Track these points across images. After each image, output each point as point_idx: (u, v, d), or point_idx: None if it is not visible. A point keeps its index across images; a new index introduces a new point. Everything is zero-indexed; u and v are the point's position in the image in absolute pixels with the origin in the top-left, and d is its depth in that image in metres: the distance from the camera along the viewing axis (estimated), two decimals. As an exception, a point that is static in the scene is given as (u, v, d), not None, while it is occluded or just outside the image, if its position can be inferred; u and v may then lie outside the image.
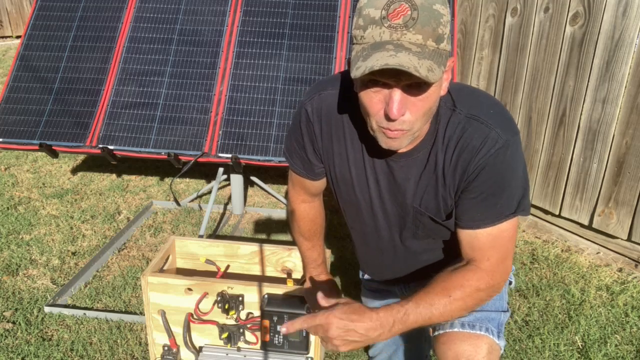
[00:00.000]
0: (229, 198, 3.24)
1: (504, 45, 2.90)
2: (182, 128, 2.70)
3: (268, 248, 1.78)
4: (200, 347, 1.61)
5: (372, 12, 0.93)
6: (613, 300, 2.29)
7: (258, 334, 1.57)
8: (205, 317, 1.57)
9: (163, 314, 1.57)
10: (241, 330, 1.56)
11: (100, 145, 2.67)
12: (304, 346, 1.51)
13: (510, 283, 1.42)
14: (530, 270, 2.53)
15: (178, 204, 3.10)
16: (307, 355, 1.54)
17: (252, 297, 1.53)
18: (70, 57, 2.91)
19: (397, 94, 0.96)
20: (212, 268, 1.77)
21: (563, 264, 2.56)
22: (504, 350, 1.64)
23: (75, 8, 3.04)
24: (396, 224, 1.27)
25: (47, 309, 2.16)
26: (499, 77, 2.96)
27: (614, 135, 2.41)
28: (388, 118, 0.98)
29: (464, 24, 3.20)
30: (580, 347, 2.03)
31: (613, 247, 2.54)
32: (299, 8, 2.93)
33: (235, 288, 1.53)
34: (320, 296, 1.06)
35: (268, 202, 3.24)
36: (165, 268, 1.70)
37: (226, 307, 1.53)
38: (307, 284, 1.49)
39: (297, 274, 1.80)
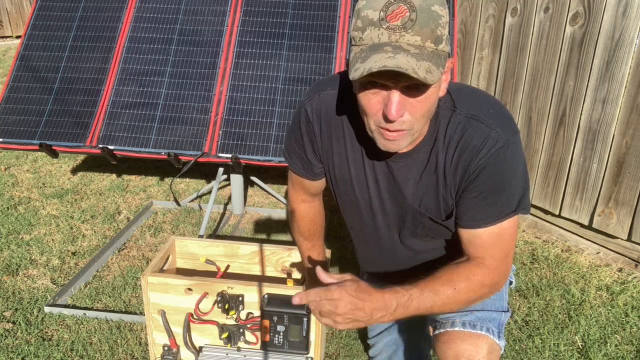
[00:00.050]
0: (229, 198, 3.24)
1: (504, 45, 2.90)
2: (182, 128, 2.70)
3: (268, 248, 1.78)
4: (200, 347, 1.61)
5: (371, 14, 0.93)
6: (613, 300, 2.29)
7: (258, 334, 1.57)
8: (205, 317, 1.57)
9: (163, 314, 1.57)
10: (241, 330, 1.57)
11: (100, 145, 2.67)
12: (304, 346, 1.51)
13: (511, 283, 1.42)
14: (530, 270, 2.53)
15: (178, 204, 3.10)
16: (307, 355, 1.54)
17: (252, 297, 1.53)
18: (70, 57, 2.91)
19: (395, 95, 0.96)
20: (212, 268, 1.78)
21: (563, 264, 2.56)
22: (504, 350, 1.64)
23: (75, 8, 3.04)
24: (395, 223, 1.27)
25: (47, 309, 2.16)
26: (499, 77, 2.96)
27: (614, 135, 2.41)
28: (387, 119, 0.98)
29: (464, 24, 3.20)
30: (580, 347, 2.03)
31: (613, 247, 2.54)
32: (299, 8, 2.93)
33: (235, 288, 1.53)
34: (320, 270, 1.03)
35: (268, 202, 3.24)
36: (165, 268, 1.70)
37: (226, 307, 1.53)
38: (307, 284, 1.49)
39: (297, 274, 1.80)
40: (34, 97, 2.83)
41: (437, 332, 1.26)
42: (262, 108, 2.71)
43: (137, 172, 3.59)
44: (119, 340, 2.00)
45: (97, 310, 2.18)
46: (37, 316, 2.13)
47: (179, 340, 1.60)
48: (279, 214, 3.07)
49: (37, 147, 2.69)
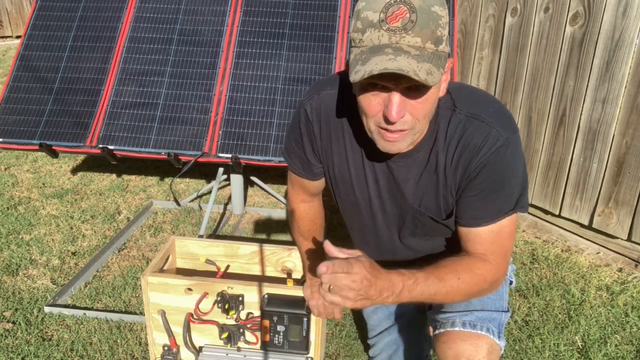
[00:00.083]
0: (229, 198, 3.24)
1: (504, 45, 2.90)
2: (182, 128, 2.70)
3: (268, 248, 1.78)
4: (200, 347, 1.62)
5: (371, 15, 0.93)
6: (613, 300, 2.29)
7: (258, 334, 1.57)
8: (205, 317, 1.57)
9: (163, 314, 1.57)
10: (241, 330, 1.57)
11: (100, 145, 2.67)
12: (304, 346, 1.51)
13: (511, 283, 1.42)
14: (530, 270, 2.53)
15: (178, 204, 3.10)
16: (307, 355, 1.54)
17: (252, 297, 1.53)
18: (70, 57, 2.91)
19: (396, 97, 0.96)
20: (212, 268, 1.77)
21: (563, 264, 2.56)
22: (504, 350, 1.64)
23: (75, 8, 3.04)
24: (395, 223, 1.27)
25: (47, 309, 2.16)
26: (499, 77, 2.96)
27: (614, 135, 2.41)
28: (387, 120, 0.98)
29: (464, 24, 3.20)
30: (580, 347, 2.03)
31: (613, 247, 2.54)
32: (299, 8, 2.93)
33: (235, 288, 1.53)
34: (328, 244, 1.00)
35: (268, 202, 3.24)
36: (165, 268, 1.70)
37: (226, 307, 1.53)
38: (307, 284, 1.49)
39: (297, 274, 1.80)
40: (34, 97, 2.83)
41: (437, 332, 1.26)
42: (262, 108, 2.71)
43: (137, 172, 3.59)
44: (119, 340, 2.00)
45: (97, 310, 2.18)
46: (37, 316, 2.13)
47: (179, 340, 1.60)
48: (279, 214, 3.07)
49: (37, 147, 2.69)
